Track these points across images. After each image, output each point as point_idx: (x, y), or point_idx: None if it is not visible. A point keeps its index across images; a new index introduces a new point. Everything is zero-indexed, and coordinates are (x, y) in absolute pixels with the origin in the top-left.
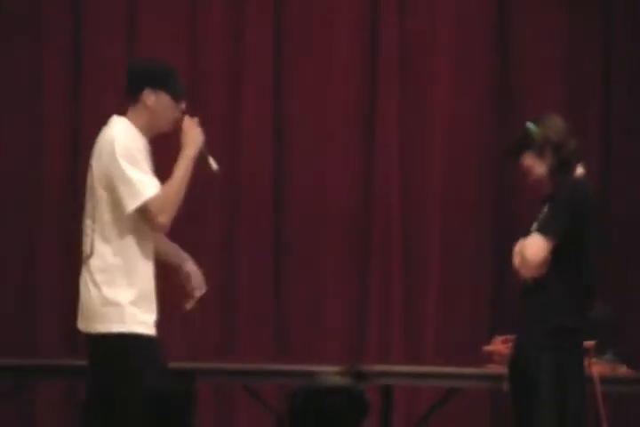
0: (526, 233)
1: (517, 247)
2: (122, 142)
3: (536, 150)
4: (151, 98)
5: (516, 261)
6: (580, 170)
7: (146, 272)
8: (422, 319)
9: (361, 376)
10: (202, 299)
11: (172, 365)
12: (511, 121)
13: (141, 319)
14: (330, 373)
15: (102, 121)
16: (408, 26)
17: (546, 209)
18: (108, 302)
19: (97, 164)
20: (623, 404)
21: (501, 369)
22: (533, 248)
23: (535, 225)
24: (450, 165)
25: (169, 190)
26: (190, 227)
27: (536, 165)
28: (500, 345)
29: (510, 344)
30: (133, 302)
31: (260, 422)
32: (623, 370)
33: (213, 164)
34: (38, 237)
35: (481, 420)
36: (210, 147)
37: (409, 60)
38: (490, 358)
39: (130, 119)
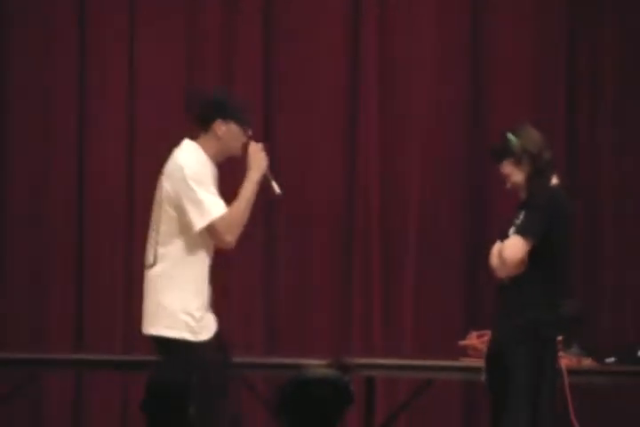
0: (503, 236)
1: (495, 249)
2: (192, 166)
3: (514, 159)
4: (222, 128)
5: (494, 261)
6: (554, 180)
7: (202, 283)
8: (401, 316)
9: (345, 368)
10: None
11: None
12: (483, 128)
13: (192, 327)
14: (317, 365)
15: (105, 134)
16: (389, 27)
17: (522, 214)
18: (162, 308)
19: (167, 183)
20: (588, 394)
21: (476, 362)
22: (512, 249)
23: (513, 229)
24: (427, 167)
25: (235, 211)
26: None
27: (514, 173)
28: (474, 340)
29: (485, 339)
30: (186, 310)
31: (253, 411)
32: (588, 362)
33: (276, 187)
34: (49, 240)
35: (454, 409)
36: None
37: (389, 62)
38: (465, 351)
39: (201, 145)
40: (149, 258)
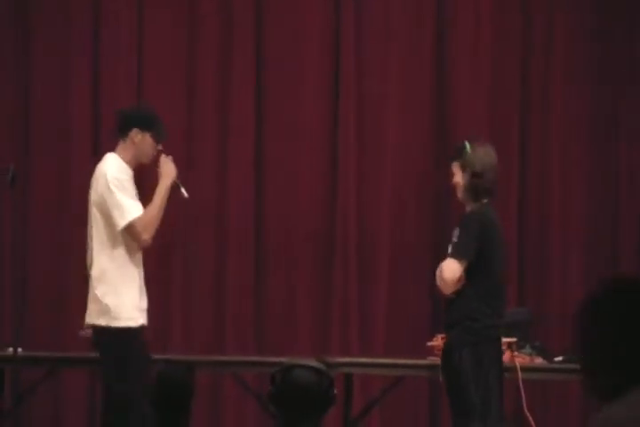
0: (444, 256)
1: (438, 271)
2: (113, 174)
3: (461, 164)
4: (138, 136)
5: (438, 281)
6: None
7: (135, 276)
8: (375, 321)
9: (327, 365)
10: (196, 305)
11: (174, 357)
12: (446, 148)
13: (129, 315)
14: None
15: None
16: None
17: (456, 233)
18: (104, 301)
19: (94, 193)
20: (539, 388)
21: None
22: (448, 271)
23: (450, 247)
24: (397, 193)
25: (150, 212)
26: (183, 240)
27: (457, 174)
28: (440, 341)
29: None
30: (123, 301)
31: (244, 405)
32: (539, 361)
33: (184, 192)
34: (65, 240)
35: (422, 402)
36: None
37: (365, 97)
38: (431, 351)
39: (119, 153)
40: (88, 260)
